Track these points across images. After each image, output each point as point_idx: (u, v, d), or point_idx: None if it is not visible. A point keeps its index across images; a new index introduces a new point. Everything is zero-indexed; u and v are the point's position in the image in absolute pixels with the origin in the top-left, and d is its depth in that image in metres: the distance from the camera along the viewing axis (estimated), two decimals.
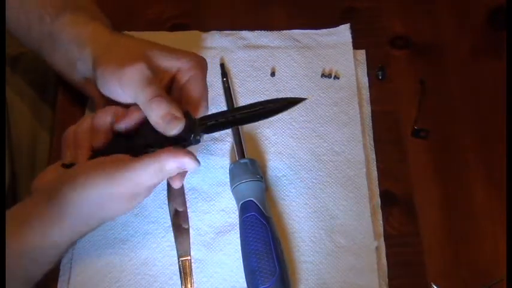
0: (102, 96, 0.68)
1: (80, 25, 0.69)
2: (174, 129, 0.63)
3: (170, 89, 0.69)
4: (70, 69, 0.71)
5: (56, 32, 0.69)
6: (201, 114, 0.67)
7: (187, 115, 0.64)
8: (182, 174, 0.66)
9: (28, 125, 0.81)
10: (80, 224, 0.62)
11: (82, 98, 0.77)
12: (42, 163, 0.79)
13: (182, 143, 0.64)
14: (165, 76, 0.68)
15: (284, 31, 0.83)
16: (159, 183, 0.62)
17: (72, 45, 0.69)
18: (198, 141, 0.65)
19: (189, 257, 0.66)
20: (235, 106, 0.77)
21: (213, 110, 0.77)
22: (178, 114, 0.63)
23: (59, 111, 0.78)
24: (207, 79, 0.79)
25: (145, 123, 0.64)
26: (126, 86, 0.64)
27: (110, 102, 0.67)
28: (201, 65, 0.69)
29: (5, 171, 0.62)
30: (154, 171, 0.60)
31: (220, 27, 0.83)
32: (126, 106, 0.66)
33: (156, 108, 0.63)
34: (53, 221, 0.60)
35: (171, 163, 0.61)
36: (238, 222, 0.69)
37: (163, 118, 0.63)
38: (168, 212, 0.71)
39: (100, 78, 0.66)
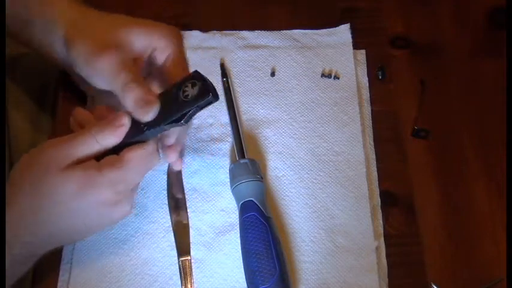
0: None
1: (46, 6, 0.67)
2: (148, 113, 0.60)
3: (150, 71, 0.68)
4: (51, 52, 0.69)
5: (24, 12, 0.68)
6: None
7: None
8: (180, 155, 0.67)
9: (27, 131, 0.81)
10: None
11: (82, 102, 0.77)
12: None
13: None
14: (141, 58, 0.66)
15: (284, 31, 0.83)
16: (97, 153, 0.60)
17: (43, 26, 0.67)
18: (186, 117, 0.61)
19: (189, 257, 0.66)
20: (235, 106, 0.77)
21: (213, 110, 0.77)
22: (152, 97, 0.61)
23: (58, 118, 0.78)
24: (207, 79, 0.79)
25: None
26: (99, 75, 0.63)
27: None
28: (176, 38, 0.67)
29: (5, 170, 0.61)
30: (88, 142, 0.59)
31: (221, 27, 0.83)
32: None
33: (128, 95, 0.61)
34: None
35: (98, 130, 0.60)
36: (238, 222, 0.68)
37: (136, 104, 0.61)
38: (168, 212, 0.71)
39: (75, 66, 0.65)
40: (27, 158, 0.60)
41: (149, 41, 0.66)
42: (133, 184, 0.62)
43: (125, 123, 0.60)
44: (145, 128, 0.61)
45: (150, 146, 0.61)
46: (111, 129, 0.60)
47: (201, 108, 0.60)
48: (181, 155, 0.70)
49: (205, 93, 0.59)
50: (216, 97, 0.60)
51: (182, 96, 0.60)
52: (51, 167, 0.58)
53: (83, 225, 0.61)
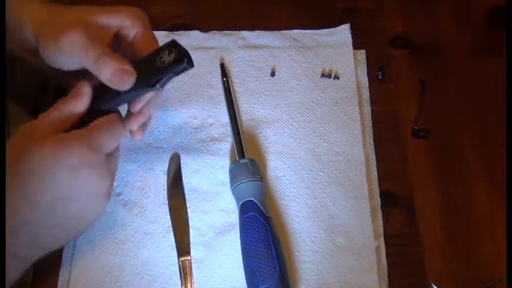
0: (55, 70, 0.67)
1: (16, 7, 0.68)
2: (126, 83, 0.62)
3: (118, 48, 0.68)
4: (24, 53, 0.70)
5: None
6: None
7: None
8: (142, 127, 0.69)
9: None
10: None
11: None
12: None
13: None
14: (107, 34, 0.67)
15: (284, 31, 0.83)
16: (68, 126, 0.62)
17: (15, 28, 0.68)
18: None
19: (189, 257, 0.66)
20: (235, 106, 0.77)
21: (213, 110, 0.77)
22: (128, 67, 0.62)
23: None
24: (208, 79, 0.79)
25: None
26: (68, 53, 0.64)
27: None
28: (141, 18, 0.68)
29: (5, 169, 0.61)
30: (58, 110, 0.62)
31: (221, 27, 0.83)
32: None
33: (104, 67, 0.62)
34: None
35: (64, 100, 0.63)
36: (238, 222, 0.69)
37: (114, 75, 0.62)
38: (168, 212, 0.71)
39: (44, 54, 0.65)
40: (11, 142, 0.61)
41: (114, 20, 0.67)
42: (103, 148, 0.62)
43: (86, 92, 0.64)
44: (122, 92, 0.64)
45: (114, 114, 0.65)
46: (74, 97, 0.63)
47: (177, 74, 0.63)
48: (144, 127, 0.70)
49: (181, 60, 0.62)
50: (191, 64, 0.62)
51: (159, 62, 0.63)
52: (28, 142, 0.59)
53: (67, 200, 0.61)
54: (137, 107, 0.68)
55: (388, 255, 0.69)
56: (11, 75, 0.71)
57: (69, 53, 0.64)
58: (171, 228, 0.70)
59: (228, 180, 0.71)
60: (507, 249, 0.66)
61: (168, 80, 0.63)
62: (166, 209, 0.71)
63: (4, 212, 0.58)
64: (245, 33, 0.83)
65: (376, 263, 0.68)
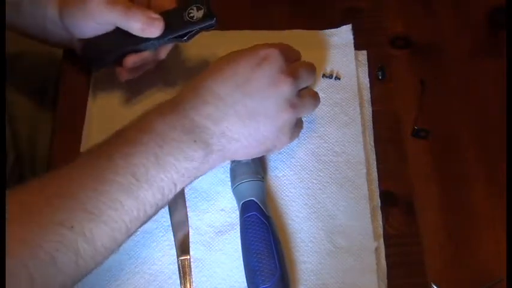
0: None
1: None
2: (155, 32, 0.68)
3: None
4: (44, 29, 0.72)
5: None
6: None
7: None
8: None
9: (27, 131, 0.81)
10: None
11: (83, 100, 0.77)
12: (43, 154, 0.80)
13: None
14: None
15: (285, 31, 0.83)
16: None
17: (33, 6, 0.70)
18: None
19: (188, 257, 0.66)
20: None
21: None
22: (155, 15, 0.68)
23: (59, 115, 0.78)
24: None
25: None
26: (97, 14, 0.67)
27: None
28: None
29: (5, 170, 0.61)
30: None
31: (222, 27, 0.83)
32: None
33: (134, 18, 0.67)
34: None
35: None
36: (238, 221, 0.69)
37: (144, 24, 0.67)
38: (167, 211, 0.71)
39: (70, 22, 0.69)
40: None
41: None
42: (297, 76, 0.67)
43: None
44: (149, 41, 0.70)
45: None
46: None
47: (202, 30, 0.70)
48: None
49: (210, 17, 0.69)
50: (217, 22, 0.70)
51: (187, 16, 0.69)
52: None
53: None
54: (164, 53, 0.73)
55: (388, 256, 0.69)
56: (11, 75, 0.72)
57: (98, 13, 0.67)
58: (171, 227, 0.70)
59: (228, 179, 0.71)
60: (507, 249, 0.65)
61: (194, 34, 0.70)
62: (166, 208, 0.71)
63: (4, 212, 0.58)
64: (246, 33, 0.83)
65: (375, 264, 0.68)
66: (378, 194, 0.73)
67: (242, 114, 0.63)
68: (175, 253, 0.67)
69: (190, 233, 0.69)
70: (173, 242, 0.68)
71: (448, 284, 0.68)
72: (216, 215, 0.71)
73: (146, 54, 0.71)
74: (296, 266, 0.68)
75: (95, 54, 0.73)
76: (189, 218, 0.70)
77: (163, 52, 0.73)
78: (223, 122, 0.62)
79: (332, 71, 0.80)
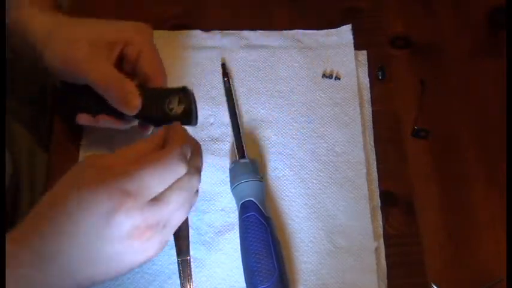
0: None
1: (19, 15, 0.67)
2: (134, 109, 0.64)
3: (121, 63, 0.68)
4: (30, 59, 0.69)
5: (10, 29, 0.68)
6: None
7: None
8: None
9: (26, 133, 0.80)
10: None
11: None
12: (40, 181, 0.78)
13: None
14: (113, 52, 0.67)
15: (285, 31, 0.83)
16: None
17: (17, 35, 0.67)
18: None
19: (188, 257, 0.66)
20: (236, 106, 0.77)
21: (214, 109, 0.77)
22: (135, 93, 0.64)
23: (57, 118, 0.77)
24: (209, 79, 0.79)
25: None
26: (74, 72, 0.64)
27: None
28: (146, 35, 0.68)
29: (4, 172, 0.61)
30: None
31: (222, 27, 0.83)
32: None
33: (111, 90, 0.63)
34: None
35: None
36: (237, 222, 0.69)
37: (120, 100, 0.64)
38: None
39: (49, 66, 0.65)
40: None
41: (120, 36, 0.67)
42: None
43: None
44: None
45: None
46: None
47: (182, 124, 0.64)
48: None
49: (189, 117, 0.65)
50: (196, 123, 0.66)
51: (167, 107, 0.65)
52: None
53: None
54: (147, 131, 0.70)
55: (388, 256, 0.69)
56: (11, 75, 0.71)
57: (75, 71, 0.64)
58: None
59: (228, 180, 0.71)
60: (507, 249, 0.65)
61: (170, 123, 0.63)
62: None
63: (4, 211, 0.58)
64: (246, 33, 0.83)
65: (375, 264, 0.68)
66: (378, 194, 0.73)
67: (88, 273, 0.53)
68: (175, 253, 0.67)
69: (190, 233, 0.69)
70: (173, 242, 0.68)
71: (448, 284, 0.68)
72: (216, 215, 0.71)
73: (103, 123, 0.68)
74: (296, 266, 0.68)
75: (71, 100, 0.70)
76: (189, 218, 0.70)
77: (147, 131, 0.70)
78: (68, 280, 0.53)
79: (332, 71, 0.80)
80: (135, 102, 0.64)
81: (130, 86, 0.64)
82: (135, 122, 0.69)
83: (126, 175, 0.52)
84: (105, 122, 0.68)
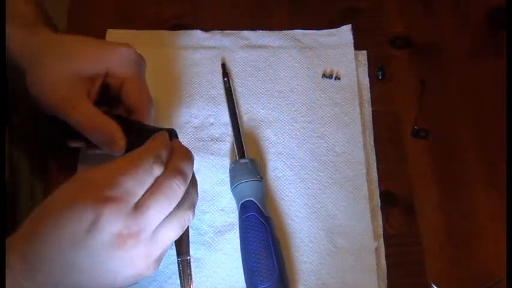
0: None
1: (11, 40, 0.65)
2: (119, 151, 0.63)
3: (106, 92, 0.67)
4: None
5: None
6: (147, 117, 0.66)
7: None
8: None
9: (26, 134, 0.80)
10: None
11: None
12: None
13: None
14: (95, 85, 0.65)
15: (285, 31, 0.83)
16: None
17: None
18: None
19: (188, 257, 0.66)
20: (236, 106, 0.77)
21: (214, 109, 0.77)
22: (119, 135, 0.63)
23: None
24: (208, 79, 0.79)
25: None
26: (53, 107, 0.63)
27: None
28: (130, 63, 0.67)
29: (4, 172, 0.61)
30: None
31: (221, 27, 0.84)
32: None
33: (95, 135, 0.63)
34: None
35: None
36: (237, 222, 0.69)
37: (105, 143, 0.63)
38: None
39: (30, 91, 0.64)
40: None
41: (100, 66, 0.65)
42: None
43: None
44: None
45: None
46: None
47: None
48: None
49: None
50: None
51: None
52: None
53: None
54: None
55: (388, 256, 0.69)
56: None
57: (54, 106, 0.63)
58: None
59: (228, 180, 0.71)
60: (507, 249, 0.65)
61: None
62: None
63: (5, 211, 0.58)
64: (246, 33, 0.83)
65: (375, 264, 0.68)
66: (378, 194, 0.73)
67: (78, 285, 0.52)
68: (175, 253, 0.67)
69: (190, 233, 0.68)
70: (173, 242, 0.68)
71: (448, 284, 0.68)
72: (216, 215, 0.71)
73: (95, 149, 0.67)
74: (296, 266, 0.68)
75: (60, 128, 0.68)
76: None
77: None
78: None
79: (332, 71, 0.80)
80: (119, 144, 0.63)
81: (114, 129, 0.63)
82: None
83: (106, 181, 0.52)
84: (94, 150, 0.68)
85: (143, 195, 0.53)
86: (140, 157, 0.54)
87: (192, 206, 0.58)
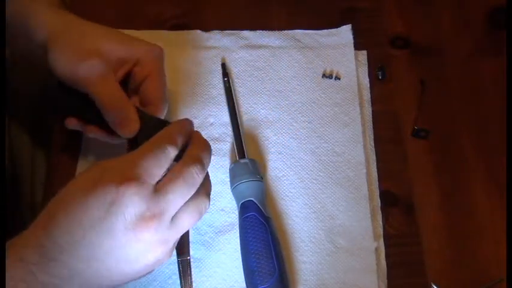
0: None
1: (25, 10, 0.65)
2: (128, 134, 0.63)
3: (127, 79, 0.68)
4: (33, 57, 0.67)
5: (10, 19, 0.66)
6: (160, 114, 0.67)
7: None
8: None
9: (27, 134, 0.80)
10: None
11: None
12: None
13: None
14: (122, 69, 0.66)
15: (285, 31, 0.83)
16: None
17: (24, 32, 0.65)
18: None
19: (188, 257, 0.66)
20: (236, 106, 0.77)
21: (214, 109, 0.77)
22: (133, 121, 0.63)
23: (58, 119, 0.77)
24: (208, 78, 0.79)
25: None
26: (79, 81, 0.63)
27: None
28: (158, 59, 0.68)
29: (5, 172, 0.61)
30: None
31: (221, 27, 0.84)
32: None
33: (111, 110, 0.63)
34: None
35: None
36: (237, 222, 0.69)
37: (118, 123, 0.63)
38: None
39: (53, 66, 0.64)
40: None
41: (131, 53, 0.66)
42: None
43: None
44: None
45: None
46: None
47: None
48: None
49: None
50: None
51: None
52: None
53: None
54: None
55: (388, 255, 0.69)
56: (11, 76, 0.71)
57: (81, 82, 0.63)
58: None
59: (228, 180, 0.71)
60: (507, 249, 0.65)
61: None
62: None
63: (5, 211, 0.58)
64: (246, 33, 0.83)
65: (375, 264, 0.68)
66: (378, 194, 0.73)
67: (96, 275, 0.52)
68: (175, 253, 0.67)
69: (190, 233, 0.68)
70: None
71: (448, 284, 0.68)
72: (216, 215, 0.71)
73: (91, 134, 0.68)
74: (296, 266, 0.68)
75: (65, 101, 0.68)
76: None
77: (120, 141, 0.67)
78: (75, 279, 0.51)
79: (332, 71, 0.80)
80: (133, 128, 0.63)
81: (132, 112, 0.64)
82: (123, 139, 0.67)
83: (125, 165, 0.53)
84: (94, 134, 0.68)
85: (162, 181, 0.53)
86: (156, 141, 0.55)
87: (208, 195, 0.58)
